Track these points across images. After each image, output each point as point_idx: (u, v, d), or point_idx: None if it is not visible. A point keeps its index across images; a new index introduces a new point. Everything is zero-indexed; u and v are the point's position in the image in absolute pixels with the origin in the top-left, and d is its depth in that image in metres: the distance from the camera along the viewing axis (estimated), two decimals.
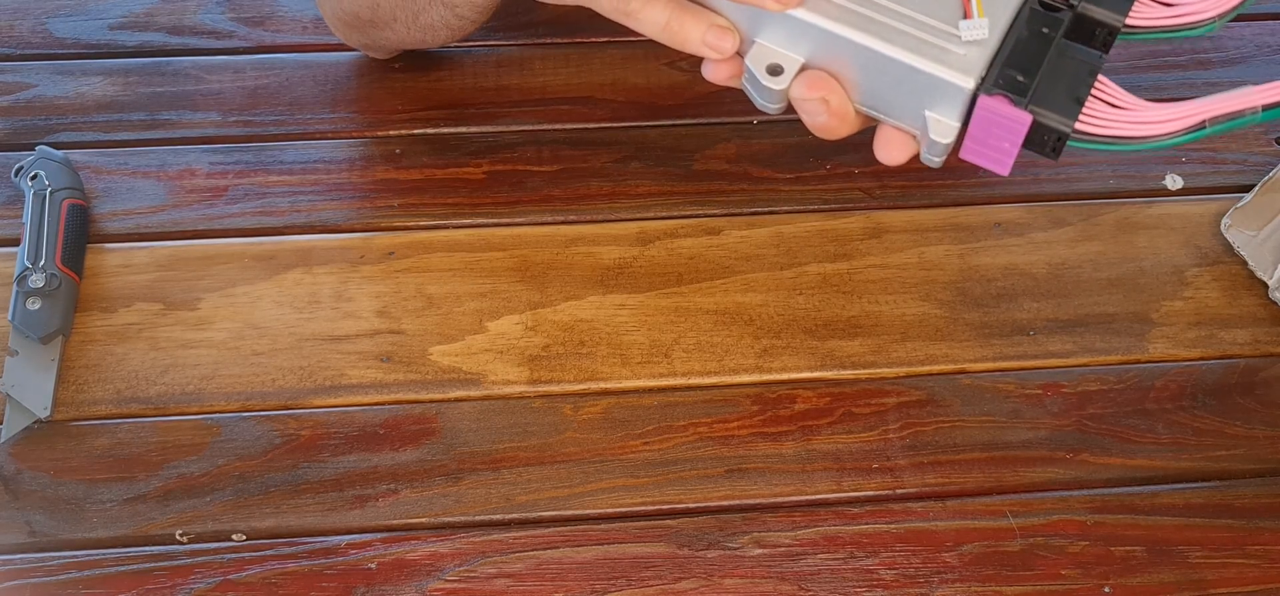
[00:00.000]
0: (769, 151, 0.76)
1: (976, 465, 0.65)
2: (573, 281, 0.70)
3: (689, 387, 0.67)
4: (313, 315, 0.69)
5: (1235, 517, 0.63)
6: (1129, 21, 0.50)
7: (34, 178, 0.71)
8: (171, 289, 0.69)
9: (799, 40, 0.51)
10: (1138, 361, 0.69)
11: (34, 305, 0.66)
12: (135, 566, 0.60)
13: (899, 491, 0.64)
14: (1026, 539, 0.62)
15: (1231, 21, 0.81)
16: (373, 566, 0.61)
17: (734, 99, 0.59)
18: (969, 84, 0.48)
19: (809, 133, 0.54)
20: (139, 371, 0.66)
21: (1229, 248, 0.72)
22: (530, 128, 0.77)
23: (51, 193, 0.70)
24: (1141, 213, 0.74)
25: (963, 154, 0.50)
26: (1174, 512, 0.64)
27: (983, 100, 0.48)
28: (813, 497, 0.64)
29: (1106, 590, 0.61)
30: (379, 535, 0.62)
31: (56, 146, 0.73)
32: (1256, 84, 0.49)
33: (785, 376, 0.67)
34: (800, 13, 0.50)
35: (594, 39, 0.80)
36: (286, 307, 0.69)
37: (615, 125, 0.77)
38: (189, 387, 0.66)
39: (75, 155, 0.73)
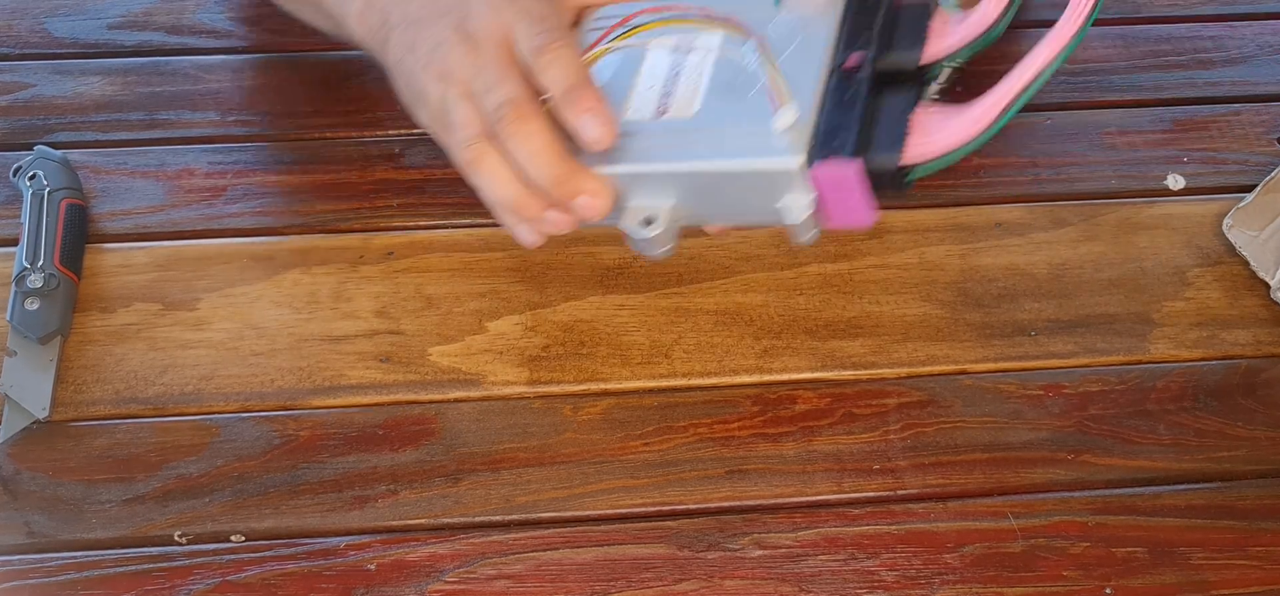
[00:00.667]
0: None
1: (978, 466, 0.65)
2: (572, 281, 0.70)
3: (689, 388, 0.67)
4: (312, 315, 0.68)
5: (1237, 519, 0.63)
6: (926, 57, 0.52)
7: (32, 177, 0.70)
8: (170, 289, 0.69)
9: (658, 190, 0.53)
10: (1139, 362, 0.68)
11: (32, 305, 0.66)
12: (134, 567, 0.60)
13: (900, 492, 0.64)
14: (1028, 540, 0.62)
15: (1230, 21, 0.82)
16: (372, 567, 0.61)
17: None
18: (797, 161, 0.50)
19: None
20: (138, 372, 0.66)
21: (1231, 248, 0.72)
22: None
23: (50, 192, 0.70)
24: (1143, 213, 0.74)
25: (830, 224, 0.52)
26: (1176, 514, 0.63)
27: (815, 170, 0.50)
28: (813, 498, 0.63)
29: (1108, 591, 0.61)
30: (378, 536, 0.62)
31: (55, 146, 0.73)
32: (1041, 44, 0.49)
33: (786, 377, 0.67)
34: (635, 166, 0.53)
35: None
36: (285, 308, 0.69)
37: None
38: (188, 388, 0.66)
39: (74, 155, 0.73)
